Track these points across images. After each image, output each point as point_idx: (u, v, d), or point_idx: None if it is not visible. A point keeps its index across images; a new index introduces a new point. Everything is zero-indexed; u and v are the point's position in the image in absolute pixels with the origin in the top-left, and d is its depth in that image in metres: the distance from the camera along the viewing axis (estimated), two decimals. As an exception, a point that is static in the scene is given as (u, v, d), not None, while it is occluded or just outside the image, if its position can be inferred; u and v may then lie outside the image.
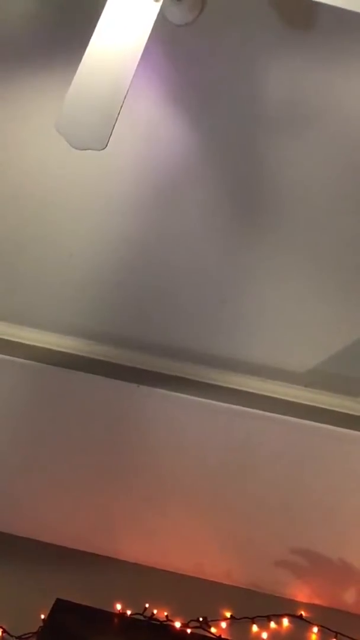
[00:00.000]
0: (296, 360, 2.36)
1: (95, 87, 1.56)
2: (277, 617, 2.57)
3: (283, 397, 2.38)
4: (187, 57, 1.91)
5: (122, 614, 2.54)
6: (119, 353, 2.41)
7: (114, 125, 1.56)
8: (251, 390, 2.38)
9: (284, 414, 2.34)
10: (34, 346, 2.43)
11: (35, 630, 2.47)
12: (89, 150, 1.61)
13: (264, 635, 2.52)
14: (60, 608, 2.50)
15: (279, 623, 2.57)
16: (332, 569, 2.57)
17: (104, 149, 1.58)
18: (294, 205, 2.10)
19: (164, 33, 1.81)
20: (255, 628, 2.54)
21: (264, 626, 2.55)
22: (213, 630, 2.52)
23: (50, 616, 2.48)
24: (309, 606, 2.62)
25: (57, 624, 2.46)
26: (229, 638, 2.50)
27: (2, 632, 2.46)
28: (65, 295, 2.38)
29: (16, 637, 2.45)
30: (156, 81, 1.94)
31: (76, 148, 1.61)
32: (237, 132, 2.00)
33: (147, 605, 2.55)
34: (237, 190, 2.11)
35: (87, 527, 2.71)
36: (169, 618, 2.54)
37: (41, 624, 2.48)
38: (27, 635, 2.46)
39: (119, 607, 2.55)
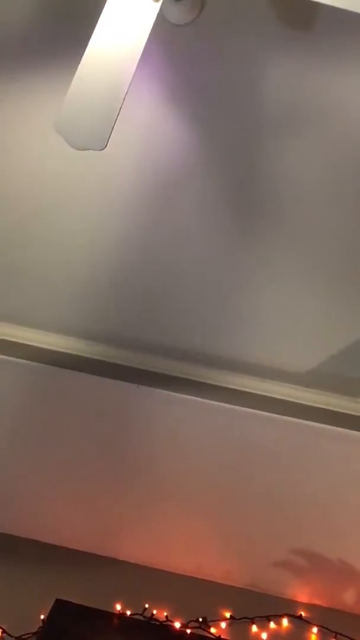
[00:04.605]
0: (296, 360, 2.36)
1: (95, 87, 1.56)
2: (277, 617, 2.57)
3: (283, 397, 2.38)
4: (186, 57, 1.91)
5: (121, 614, 2.53)
6: (119, 353, 2.41)
7: (114, 126, 1.56)
8: (251, 390, 2.38)
9: (283, 414, 2.34)
10: (33, 346, 2.43)
11: (34, 630, 2.47)
12: (89, 151, 1.61)
13: (264, 635, 2.51)
14: (60, 608, 2.50)
15: (278, 623, 2.56)
16: (331, 569, 2.57)
17: (103, 149, 1.58)
18: (294, 205, 2.10)
19: (164, 33, 1.81)
20: (254, 628, 2.54)
21: (263, 626, 2.55)
22: (213, 630, 2.51)
23: (49, 616, 2.48)
24: (308, 606, 2.62)
25: (57, 624, 2.46)
26: (228, 638, 2.50)
27: (2, 632, 2.46)
28: (65, 295, 2.38)
29: (15, 638, 2.45)
30: (155, 81, 1.94)
31: (76, 148, 1.61)
32: (236, 132, 2.00)
33: (146, 606, 2.55)
34: (236, 190, 2.11)
35: (86, 527, 2.71)
36: (169, 618, 2.53)
37: (40, 624, 2.47)
38: (26, 636, 2.46)
39: (118, 607, 2.54)
